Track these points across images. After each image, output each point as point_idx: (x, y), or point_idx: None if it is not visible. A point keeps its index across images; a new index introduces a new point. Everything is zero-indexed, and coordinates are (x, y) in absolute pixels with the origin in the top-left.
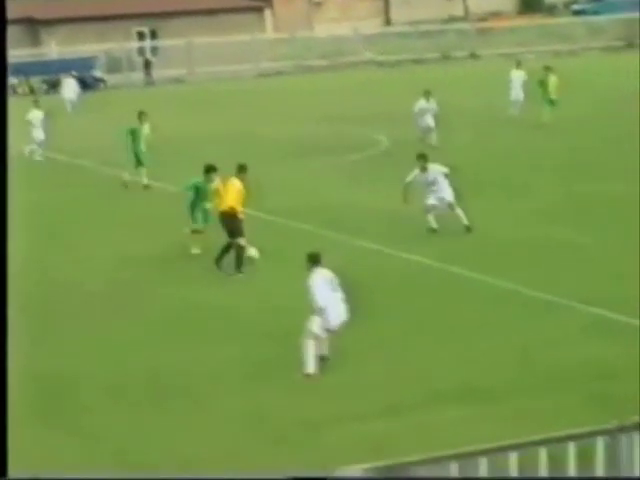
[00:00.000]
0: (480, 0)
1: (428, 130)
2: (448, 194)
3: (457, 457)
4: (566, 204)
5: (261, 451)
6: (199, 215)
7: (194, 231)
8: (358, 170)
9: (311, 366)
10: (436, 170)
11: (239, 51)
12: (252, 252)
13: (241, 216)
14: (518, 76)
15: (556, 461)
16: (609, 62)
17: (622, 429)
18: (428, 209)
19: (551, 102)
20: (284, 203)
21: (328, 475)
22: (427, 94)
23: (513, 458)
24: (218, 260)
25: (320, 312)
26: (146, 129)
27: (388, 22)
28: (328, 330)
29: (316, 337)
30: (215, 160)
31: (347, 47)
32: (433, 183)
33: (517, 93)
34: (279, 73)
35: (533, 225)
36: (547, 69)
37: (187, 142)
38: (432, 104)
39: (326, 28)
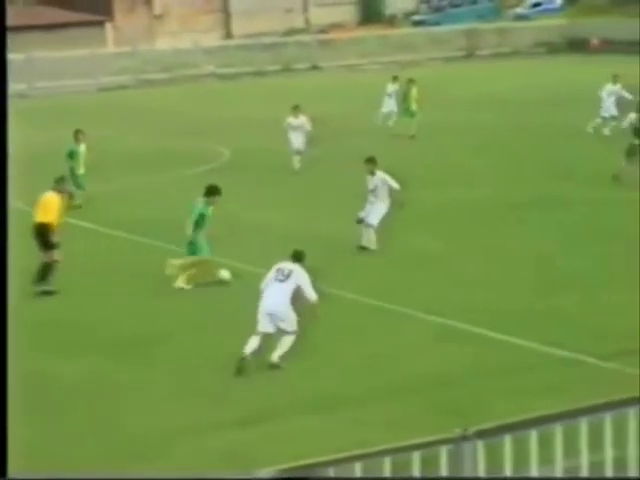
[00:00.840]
0: (321, 12)
1: (297, 152)
2: (377, 213)
3: (302, 469)
4: (427, 212)
5: (113, 460)
6: (202, 243)
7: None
8: (203, 182)
9: (247, 350)
10: (380, 179)
11: (80, 65)
12: (224, 274)
13: (55, 230)
14: (394, 90)
15: (400, 469)
16: (452, 71)
17: (465, 437)
18: (357, 220)
19: (411, 114)
20: (126, 217)
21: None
22: (295, 110)
23: (358, 467)
24: (39, 281)
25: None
26: (83, 149)
27: (229, 35)
28: (269, 315)
29: (259, 333)
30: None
31: (188, 60)
32: (373, 190)
33: (392, 105)
34: (121, 87)
35: (394, 235)
36: (410, 81)
37: (34, 158)
38: (301, 121)
39: (167, 41)
